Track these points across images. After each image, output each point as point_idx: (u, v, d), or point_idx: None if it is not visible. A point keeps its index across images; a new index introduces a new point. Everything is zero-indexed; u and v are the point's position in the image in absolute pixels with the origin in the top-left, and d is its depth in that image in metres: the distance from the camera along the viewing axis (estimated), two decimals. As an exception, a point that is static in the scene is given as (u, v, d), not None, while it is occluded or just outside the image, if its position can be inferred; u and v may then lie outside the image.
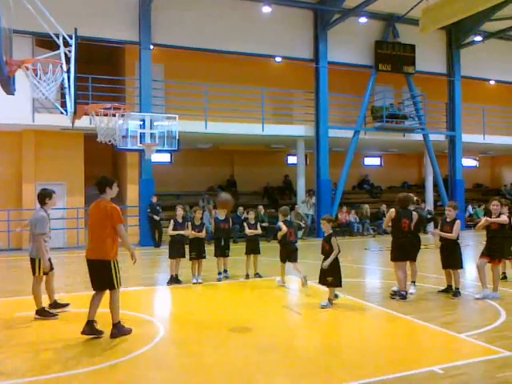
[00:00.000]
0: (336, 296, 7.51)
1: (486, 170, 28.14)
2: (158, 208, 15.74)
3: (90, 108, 9.82)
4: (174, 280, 9.24)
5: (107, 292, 5.91)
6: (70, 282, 9.47)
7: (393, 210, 8.03)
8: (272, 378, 4.64)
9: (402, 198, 8.01)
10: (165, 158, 20.17)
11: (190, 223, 9.35)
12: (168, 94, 17.38)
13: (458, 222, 7.90)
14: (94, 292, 5.94)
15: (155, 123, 14.24)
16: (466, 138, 20.74)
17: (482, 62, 21.19)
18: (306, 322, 6.82)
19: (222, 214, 9.69)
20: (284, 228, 8.67)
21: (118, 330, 5.85)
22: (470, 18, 15.89)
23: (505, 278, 9.17)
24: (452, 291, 7.95)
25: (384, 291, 8.43)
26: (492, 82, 22.48)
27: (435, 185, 20.74)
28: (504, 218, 7.69)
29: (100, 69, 16.62)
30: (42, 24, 7.99)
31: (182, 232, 9.23)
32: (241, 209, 16.93)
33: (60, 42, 7.73)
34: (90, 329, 5.80)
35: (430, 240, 13.62)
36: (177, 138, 14.54)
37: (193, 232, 9.25)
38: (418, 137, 19.96)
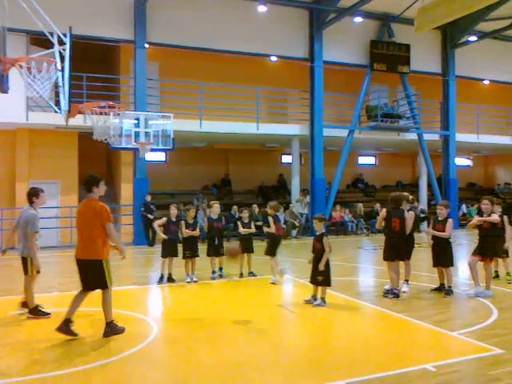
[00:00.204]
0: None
1: (479, 169, 28.29)
2: (152, 207, 15.72)
3: (84, 106, 9.79)
4: (168, 279, 9.24)
5: (96, 291, 5.85)
6: (64, 281, 9.44)
7: (384, 209, 8.09)
8: (265, 376, 4.66)
9: (394, 198, 8.05)
10: (159, 156, 20.15)
11: (183, 222, 9.35)
12: (163, 92, 17.35)
13: (450, 220, 7.97)
14: (80, 292, 5.85)
15: (150, 122, 14.22)
16: (460, 137, 20.84)
17: (476, 61, 21.28)
18: (300, 321, 6.85)
19: (215, 213, 9.70)
20: (272, 226, 8.99)
21: (111, 329, 5.84)
22: (465, 18, 15.96)
23: (497, 276, 9.23)
24: (445, 290, 8.00)
25: (377, 290, 8.46)
26: (486, 82, 22.60)
27: (429, 184, 20.83)
28: (495, 217, 7.75)
29: (95, 67, 16.58)
30: (36, 22, 7.98)
31: (158, 231, 9.36)
32: (235, 208, 16.94)
33: (54, 40, 7.73)
34: (67, 328, 5.69)
35: (424, 239, 13.68)
36: (171, 136, 14.53)
37: (187, 231, 9.25)
38: (413, 136, 20.04)
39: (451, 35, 20.48)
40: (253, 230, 9.82)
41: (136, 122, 14.04)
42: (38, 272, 6.85)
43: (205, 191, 20.32)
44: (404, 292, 8.02)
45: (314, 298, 7.30)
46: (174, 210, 9.37)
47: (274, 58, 18.37)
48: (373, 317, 6.97)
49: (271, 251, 9.03)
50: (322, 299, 7.24)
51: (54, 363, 5.00)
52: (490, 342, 5.45)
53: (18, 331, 6.26)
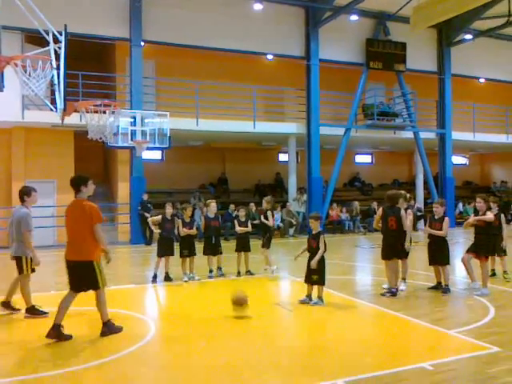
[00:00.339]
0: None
1: (475, 167, 28.36)
2: (149, 205, 15.69)
3: (79, 105, 9.73)
4: (165, 278, 9.21)
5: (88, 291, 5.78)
6: (61, 280, 9.38)
7: (381, 208, 8.09)
8: (262, 375, 4.65)
9: (391, 196, 8.03)
10: (156, 155, 20.09)
11: (180, 221, 9.32)
12: (159, 91, 17.31)
13: (446, 219, 7.98)
14: (68, 293, 5.75)
15: (146, 120, 14.20)
16: (456, 135, 20.89)
17: (472, 60, 21.32)
18: (297, 320, 6.85)
19: (212, 212, 9.67)
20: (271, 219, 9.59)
21: (109, 328, 5.81)
22: (461, 16, 15.99)
23: (494, 274, 9.25)
24: (441, 288, 8.01)
25: (375, 288, 8.46)
26: (482, 80, 22.67)
27: (425, 182, 20.87)
28: (490, 217, 7.78)
29: (90, 65, 16.51)
30: (31, 20, 7.93)
31: (152, 227, 9.56)
32: (232, 206, 16.93)
33: (50, 38, 7.69)
34: (57, 333, 5.58)
35: (421, 237, 13.70)
36: (168, 135, 14.51)
37: (184, 229, 9.22)
38: (409, 134, 20.07)
39: (447, 33, 20.51)
40: (249, 228, 9.80)
41: (132, 120, 14.02)
42: (33, 271, 6.82)
43: (202, 190, 20.29)
44: (401, 291, 8.02)
45: (309, 297, 7.28)
46: (169, 209, 9.36)
47: (270, 57, 18.37)
48: (370, 315, 6.97)
49: (269, 244, 9.51)
50: (320, 298, 7.22)
51: (50, 363, 4.97)
52: (487, 340, 5.45)
53: (14, 331, 6.23)
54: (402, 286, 8.13)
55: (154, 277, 9.20)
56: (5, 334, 6.18)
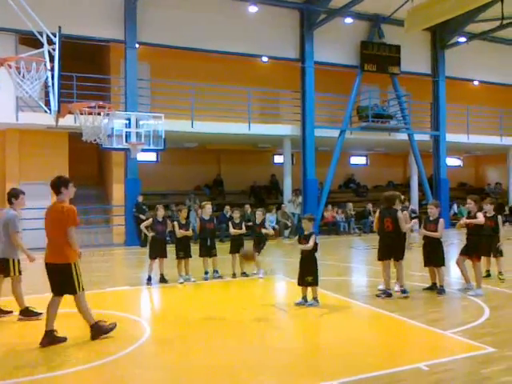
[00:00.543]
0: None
1: (470, 169, 28.50)
2: (144, 207, 15.65)
3: (73, 106, 9.70)
4: (161, 279, 9.19)
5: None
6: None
7: (378, 210, 8.11)
8: (258, 376, 4.65)
9: (388, 197, 8.04)
10: (151, 157, 20.06)
11: (176, 223, 9.30)
12: (154, 92, 17.28)
13: (441, 220, 8.01)
14: (52, 298, 5.67)
15: (141, 122, 14.16)
16: (451, 137, 20.97)
17: (466, 62, 21.43)
18: (293, 321, 6.84)
19: (207, 214, 9.65)
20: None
21: (97, 331, 5.70)
22: (455, 19, 16.06)
23: (489, 275, 9.28)
24: (437, 289, 8.03)
25: (370, 289, 8.48)
26: (476, 83, 22.77)
27: (420, 184, 20.94)
28: (480, 219, 7.85)
29: (85, 67, 16.43)
30: (25, 22, 7.90)
31: (145, 232, 9.51)
32: (227, 208, 16.89)
33: (44, 40, 7.66)
34: (51, 340, 5.53)
35: (416, 239, 13.73)
36: (163, 137, 14.47)
37: (181, 231, 9.20)
38: (403, 136, 20.13)
39: (441, 36, 20.61)
40: (243, 230, 9.77)
41: (127, 122, 13.98)
42: (20, 273, 6.79)
43: (197, 191, 20.27)
44: (396, 292, 8.03)
45: (305, 299, 7.28)
46: (160, 211, 9.32)
47: (265, 59, 18.38)
48: (365, 316, 6.98)
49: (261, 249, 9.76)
50: (315, 299, 7.22)
51: (45, 365, 4.95)
52: (482, 340, 5.47)
53: (8, 333, 6.19)
54: (397, 288, 8.14)
55: (149, 279, 9.16)
56: (-1, 336, 6.13)
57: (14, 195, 6.85)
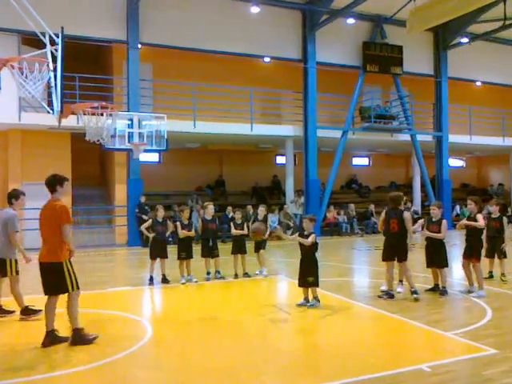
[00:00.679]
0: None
1: (472, 170, 28.44)
2: (146, 208, 15.65)
3: (76, 107, 9.72)
4: (162, 280, 9.18)
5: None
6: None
7: (383, 211, 8.08)
8: (260, 377, 4.64)
9: (394, 197, 7.97)
10: (153, 157, 20.08)
11: (178, 223, 9.30)
12: (156, 93, 17.29)
13: (444, 221, 7.98)
14: (48, 299, 5.62)
15: (143, 123, 14.18)
16: (453, 138, 20.95)
17: (468, 63, 21.41)
18: (295, 321, 6.82)
19: (209, 214, 9.65)
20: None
21: (78, 338, 5.52)
22: (457, 19, 16.02)
23: (491, 276, 9.26)
24: (439, 290, 8.01)
25: (372, 290, 8.46)
26: (478, 83, 22.72)
27: (422, 185, 20.91)
28: (479, 223, 7.85)
29: (87, 68, 16.46)
30: (28, 22, 7.92)
31: (145, 233, 9.42)
32: (229, 208, 16.88)
33: (46, 40, 7.67)
34: (52, 340, 5.50)
35: (418, 240, 13.71)
36: (165, 137, 14.49)
37: (184, 231, 9.20)
38: (406, 137, 20.11)
39: (443, 37, 20.58)
40: (245, 231, 9.74)
41: (129, 122, 13.99)
42: (18, 273, 6.80)
43: (199, 192, 20.28)
44: (399, 293, 8.02)
45: (306, 299, 7.27)
46: (160, 211, 9.33)
47: (267, 59, 18.38)
48: (367, 317, 6.96)
49: (265, 244, 9.80)
50: (316, 298, 7.21)
51: (46, 365, 4.95)
52: (485, 342, 5.45)
53: (7, 333, 6.20)
54: (399, 288, 8.13)
55: (151, 279, 9.17)
56: None
57: (14, 196, 6.89)
